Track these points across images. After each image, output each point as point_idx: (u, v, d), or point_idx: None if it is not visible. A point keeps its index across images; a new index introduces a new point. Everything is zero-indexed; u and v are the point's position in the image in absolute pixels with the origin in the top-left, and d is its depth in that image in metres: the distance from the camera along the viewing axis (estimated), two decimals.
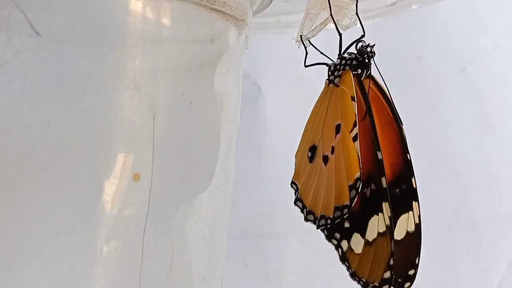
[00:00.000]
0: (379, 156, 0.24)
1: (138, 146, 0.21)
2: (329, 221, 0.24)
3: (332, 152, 0.24)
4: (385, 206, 0.24)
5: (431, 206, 0.44)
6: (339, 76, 0.25)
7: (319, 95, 0.26)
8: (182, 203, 0.23)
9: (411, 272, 0.25)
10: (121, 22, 0.20)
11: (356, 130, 0.24)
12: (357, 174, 0.23)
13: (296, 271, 0.45)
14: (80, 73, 0.20)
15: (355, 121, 0.24)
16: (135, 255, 0.21)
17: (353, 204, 0.24)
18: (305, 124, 0.26)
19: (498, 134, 0.47)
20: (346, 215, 0.24)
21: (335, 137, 0.24)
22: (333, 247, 0.25)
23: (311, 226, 0.25)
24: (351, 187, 0.24)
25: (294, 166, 0.26)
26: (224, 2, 0.23)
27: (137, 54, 0.21)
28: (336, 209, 0.24)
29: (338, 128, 0.24)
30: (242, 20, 0.25)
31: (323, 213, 0.24)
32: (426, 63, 0.46)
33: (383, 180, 0.24)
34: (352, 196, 0.24)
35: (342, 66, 0.25)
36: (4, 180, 0.19)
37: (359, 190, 0.24)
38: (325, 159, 0.24)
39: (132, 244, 0.21)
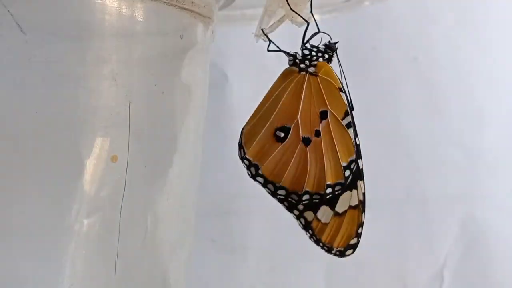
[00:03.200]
0: (357, 142, 0.26)
1: (115, 131, 0.22)
2: (316, 196, 0.26)
3: (317, 135, 0.26)
4: (360, 184, 0.27)
5: (383, 186, 0.46)
6: (314, 66, 0.26)
7: (279, 80, 0.27)
8: (155, 182, 0.24)
9: (353, 241, 0.27)
10: (100, 20, 0.22)
11: (349, 119, 0.26)
12: (352, 157, 0.26)
13: (261, 246, 0.46)
14: (63, 66, 0.21)
15: (347, 110, 0.26)
16: (113, 229, 0.23)
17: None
18: (262, 104, 0.26)
19: (446, 119, 0.48)
20: (338, 191, 0.26)
21: (320, 122, 0.26)
22: (294, 221, 0.27)
23: (275, 204, 0.27)
24: (345, 168, 0.26)
25: (241, 141, 0.26)
26: (193, 2, 0.24)
27: (114, 49, 0.22)
28: (328, 186, 0.26)
29: (323, 115, 0.26)
30: (208, 17, 0.26)
31: (307, 189, 0.26)
32: (381, 53, 0.47)
33: (360, 162, 0.26)
34: (347, 175, 0.26)
35: (315, 57, 0.26)
36: None
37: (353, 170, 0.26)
38: (306, 140, 0.26)
39: (110, 219, 0.23)
